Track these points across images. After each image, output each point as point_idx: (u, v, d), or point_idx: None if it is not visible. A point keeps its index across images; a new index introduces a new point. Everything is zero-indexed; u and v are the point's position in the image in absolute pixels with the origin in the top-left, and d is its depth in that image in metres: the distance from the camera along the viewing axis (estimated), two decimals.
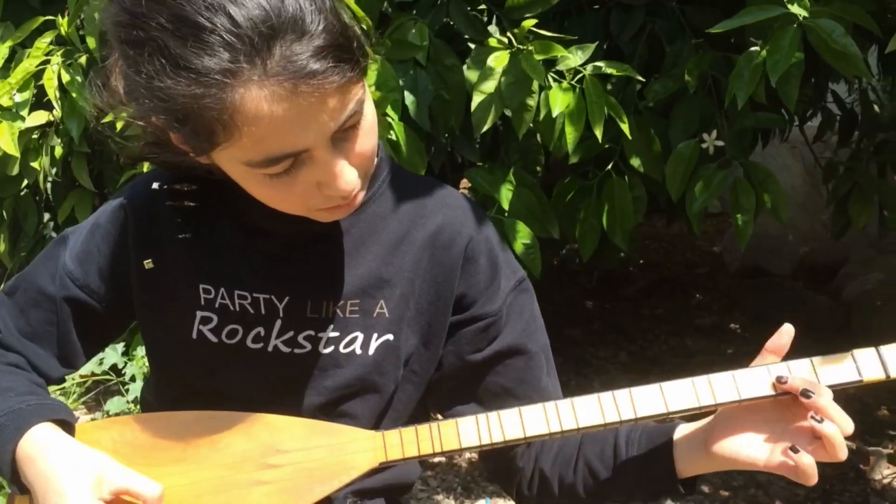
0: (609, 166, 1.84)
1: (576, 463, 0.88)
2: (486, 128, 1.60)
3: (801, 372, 0.76)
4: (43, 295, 0.87)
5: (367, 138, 0.74)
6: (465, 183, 2.09)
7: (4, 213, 2.27)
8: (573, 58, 1.62)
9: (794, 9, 1.38)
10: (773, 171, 1.78)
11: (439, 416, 0.88)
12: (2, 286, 1.17)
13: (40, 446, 0.76)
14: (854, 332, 3.07)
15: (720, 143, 1.75)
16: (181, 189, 0.86)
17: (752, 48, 1.48)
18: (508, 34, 1.61)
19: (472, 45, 1.69)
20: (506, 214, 1.72)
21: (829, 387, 0.74)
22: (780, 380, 0.74)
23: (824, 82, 2.20)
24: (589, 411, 0.77)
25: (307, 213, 0.76)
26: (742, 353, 3.02)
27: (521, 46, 1.57)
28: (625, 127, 1.63)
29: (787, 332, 0.77)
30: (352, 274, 0.85)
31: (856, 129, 2.43)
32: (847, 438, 0.73)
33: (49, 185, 2.18)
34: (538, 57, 1.56)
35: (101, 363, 2.16)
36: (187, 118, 0.66)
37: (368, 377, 0.86)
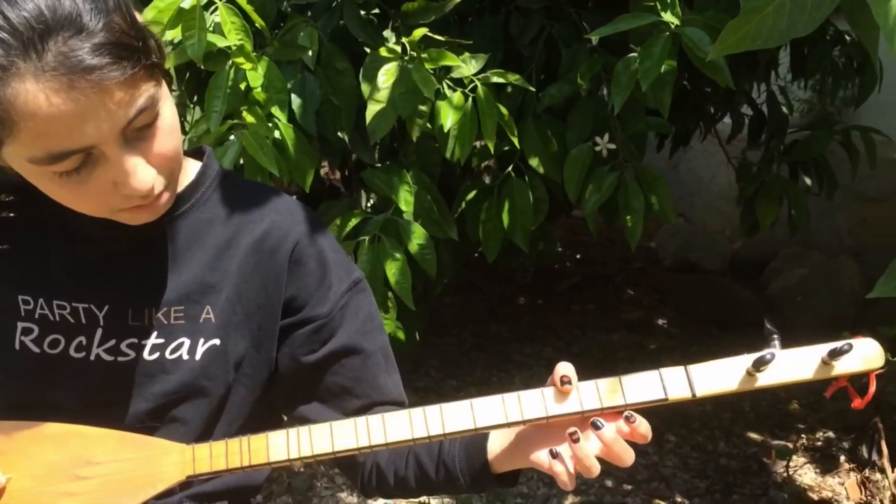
0: (510, 168, 1.87)
1: (407, 458, 0.91)
2: (381, 136, 1.62)
3: (608, 388, 0.78)
4: None
5: (166, 138, 0.74)
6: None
7: None
8: (466, 67, 1.64)
9: (667, 17, 1.41)
10: (706, 169, 1.82)
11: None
12: None
13: None
14: (775, 328, 3.13)
15: (612, 147, 1.79)
16: None
17: (631, 55, 1.51)
18: (403, 40, 1.62)
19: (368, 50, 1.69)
20: (402, 215, 1.74)
21: (635, 404, 0.76)
22: (624, 416, 0.76)
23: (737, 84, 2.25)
24: (398, 427, 0.79)
25: (109, 214, 0.77)
26: (665, 349, 3.08)
27: (413, 54, 1.58)
28: (514, 139, 1.66)
29: (564, 373, 0.77)
30: (175, 280, 0.86)
31: (764, 129, 2.49)
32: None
33: None
34: (430, 66, 1.57)
35: None
36: None
37: (196, 382, 0.87)
